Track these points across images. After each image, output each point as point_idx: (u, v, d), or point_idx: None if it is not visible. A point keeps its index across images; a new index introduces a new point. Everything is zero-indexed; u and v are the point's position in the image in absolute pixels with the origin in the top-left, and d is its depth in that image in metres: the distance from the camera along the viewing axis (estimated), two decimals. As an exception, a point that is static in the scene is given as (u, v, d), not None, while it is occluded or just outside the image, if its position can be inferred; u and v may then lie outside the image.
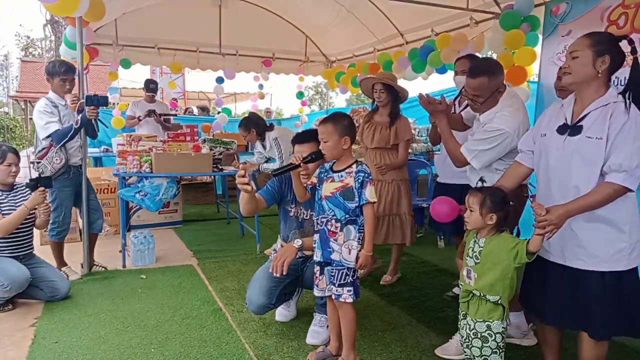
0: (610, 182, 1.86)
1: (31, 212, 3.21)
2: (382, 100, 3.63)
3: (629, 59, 1.94)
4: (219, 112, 9.29)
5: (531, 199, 2.19)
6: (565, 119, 2.01)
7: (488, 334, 2.05)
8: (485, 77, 2.48)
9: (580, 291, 1.98)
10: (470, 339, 2.10)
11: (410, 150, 6.16)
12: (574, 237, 1.98)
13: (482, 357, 2.07)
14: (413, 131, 6.34)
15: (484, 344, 2.06)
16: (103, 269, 3.95)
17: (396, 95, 3.63)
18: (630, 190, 1.86)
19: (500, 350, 2.06)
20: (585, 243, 1.96)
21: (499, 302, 2.03)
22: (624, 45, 1.91)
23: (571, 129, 1.97)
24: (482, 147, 2.48)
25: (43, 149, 3.55)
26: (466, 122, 3.01)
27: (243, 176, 2.31)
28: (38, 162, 3.53)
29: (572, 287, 2.00)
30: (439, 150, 3.71)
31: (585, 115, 1.94)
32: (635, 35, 3.56)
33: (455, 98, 3.13)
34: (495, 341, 2.05)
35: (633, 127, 1.83)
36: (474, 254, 2.11)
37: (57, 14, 3.69)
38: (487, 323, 2.05)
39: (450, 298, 3.43)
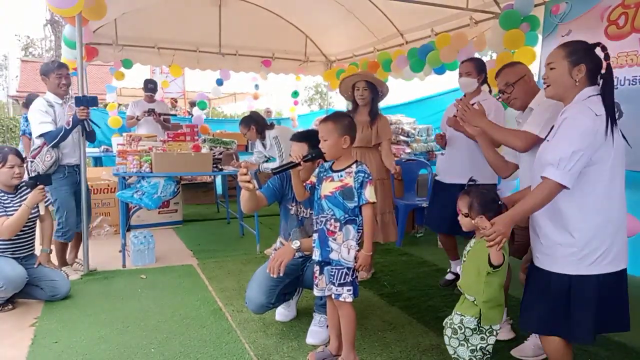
0: (542, 177, 1.87)
1: (33, 212, 3.22)
2: (364, 98, 3.67)
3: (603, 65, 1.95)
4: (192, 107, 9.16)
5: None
6: (553, 126, 2.04)
7: (459, 326, 2.13)
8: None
9: (544, 292, 1.99)
10: (445, 327, 2.21)
11: (409, 150, 6.17)
12: (538, 237, 2.02)
13: (450, 347, 2.17)
14: (413, 131, 6.38)
15: (452, 335, 2.15)
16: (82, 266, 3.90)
17: (376, 94, 3.68)
18: (564, 187, 1.82)
19: (469, 344, 2.10)
20: (543, 242, 1.99)
21: (475, 302, 2.09)
22: (598, 52, 1.92)
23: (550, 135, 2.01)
24: (544, 116, 2.34)
25: (36, 147, 3.61)
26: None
27: (245, 174, 2.32)
28: (32, 161, 3.58)
29: (536, 288, 2.04)
30: (439, 151, 3.73)
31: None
32: (635, 35, 3.58)
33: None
34: (464, 334, 2.11)
35: (565, 124, 1.85)
36: (465, 253, 2.18)
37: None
38: (461, 317, 2.14)
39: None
